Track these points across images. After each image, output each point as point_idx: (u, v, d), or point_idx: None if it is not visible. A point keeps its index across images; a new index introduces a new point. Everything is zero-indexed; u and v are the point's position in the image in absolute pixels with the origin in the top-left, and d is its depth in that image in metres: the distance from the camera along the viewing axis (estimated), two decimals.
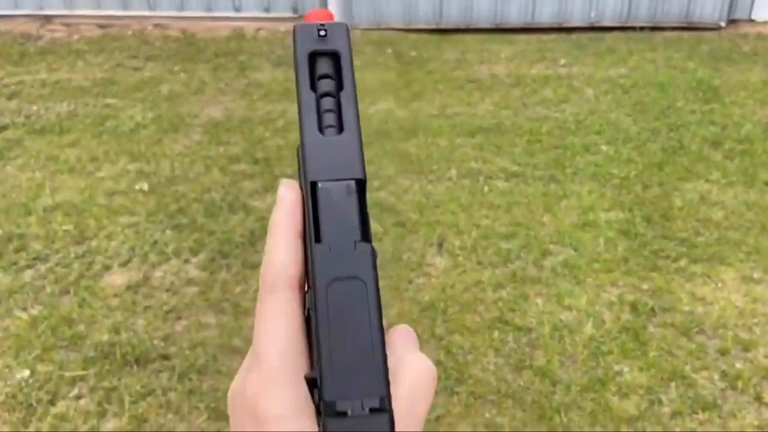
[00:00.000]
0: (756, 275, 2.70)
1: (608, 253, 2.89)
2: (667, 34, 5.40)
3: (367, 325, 0.32)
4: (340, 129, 0.36)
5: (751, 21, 5.56)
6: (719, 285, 2.66)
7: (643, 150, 3.69)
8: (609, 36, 5.36)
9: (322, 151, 0.35)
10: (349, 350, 0.31)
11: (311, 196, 0.34)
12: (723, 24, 5.49)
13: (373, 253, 0.33)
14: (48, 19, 5.77)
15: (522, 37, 5.43)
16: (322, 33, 0.37)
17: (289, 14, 5.81)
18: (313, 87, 0.36)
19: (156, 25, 5.69)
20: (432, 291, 2.75)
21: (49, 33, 5.59)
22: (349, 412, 0.30)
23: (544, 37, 5.42)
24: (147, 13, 5.79)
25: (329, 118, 0.36)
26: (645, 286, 2.67)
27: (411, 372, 0.34)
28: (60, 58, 5.07)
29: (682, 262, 2.79)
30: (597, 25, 5.56)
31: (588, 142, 3.81)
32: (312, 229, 0.34)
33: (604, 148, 3.75)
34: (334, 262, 0.32)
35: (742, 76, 4.57)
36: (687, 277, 2.71)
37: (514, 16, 5.62)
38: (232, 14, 5.82)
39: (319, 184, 0.34)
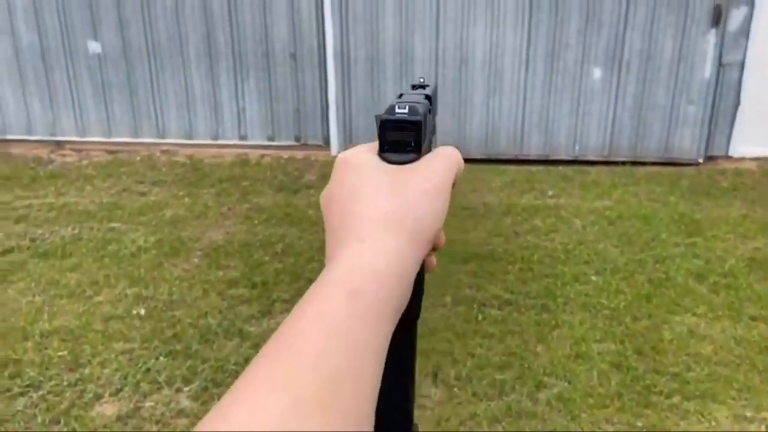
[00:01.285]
0: (748, 413, 2.70)
1: (602, 387, 2.90)
2: (648, 168, 5.70)
3: (419, 100, 0.50)
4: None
5: (728, 157, 5.90)
6: (713, 423, 2.65)
7: (631, 281, 3.80)
8: (593, 169, 5.65)
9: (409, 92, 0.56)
10: (407, 101, 0.48)
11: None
12: (701, 160, 5.82)
13: (428, 96, 0.53)
14: (59, 144, 6.07)
15: (512, 168, 5.72)
16: (422, 79, 0.59)
17: (291, 142, 6.13)
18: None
19: (164, 151, 5.98)
20: (427, 425, 2.72)
21: (60, 158, 5.85)
22: (397, 108, 0.46)
23: (533, 168, 5.71)
24: (156, 140, 6.11)
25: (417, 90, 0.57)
26: (639, 423, 2.66)
27: (441, 148, 0.49)
28: (69, 183, 5.28)
29: (675, 399, 2.80)
30: (581, 158, 5.88)
31: (578, 272, 3.92)
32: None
33: (593, 278, 3.85)
34: (405, 95, 0.52)
35: (722, 211, 4.78)
36: (681, 415, 2.71)
37: (503, 147, 5.96)
38: (238, 142, 6.14)
39: (403, 94, 0.53)
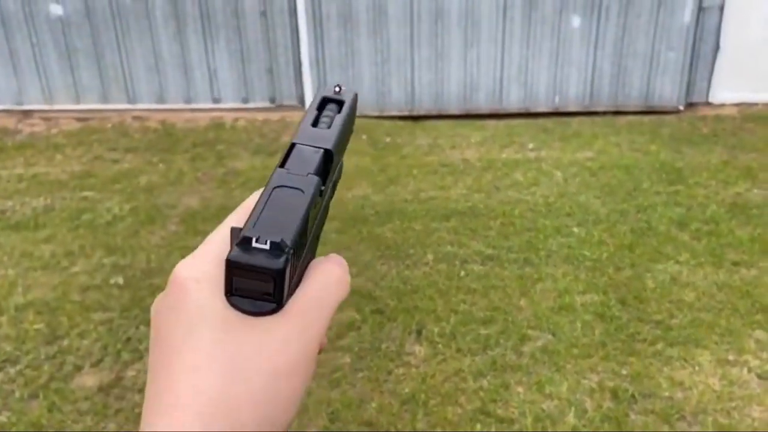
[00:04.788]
0: (731, 357, 2.73)
1: (586, 338, 2.90)
2: (630, 117, 5.65)
3: (295, 212, 0.37)
4: (329, 127, 0.44)
5: (709, 104, 5.86)
6: (696, 368, 2.67)
7: (613, 231, 3.79)
8: (574, 120, 5.59)
9: (309, 133, 0.42)
10: (275, 218, 0.36)
11: (287, 151, 0.41)
12: (681, 107, 5.78)
13: (319, 183, 0.39)
14: (27, 113, 5.86)
15: (491, 123, 5.64)
16: (337, 90, 0.46)
17: (266, 104, 5.97)
18: (319, 108, 0.45)
19: (135, 117, 5.81)
20: (412, 382, 2.72)
21: (28, 127, 5.66)
22: (254, 242, 0.34)
23: (512, 122, 5.64)
24: (127, 106, 5.92)
25: (324, 121, 0.44)
26: (624, 371, 2.68)
27: (320, 272, 0.39)
28: (38, 153, 5.12)
29: (659, 346, 2.81)
30: (561, 110, 5.81)
31: (559, 224, 3.90)
32: (279, 163, 0.40)
33: (575, 230, 3.84)
34: (285, 177, 0.39)
35: (703, 158, 4.77)
36: (664, 361, 2.73)
37: (482, 102, 5.86)
38: (211, 105, 5.97)
39: (297, 144, 0.41)
